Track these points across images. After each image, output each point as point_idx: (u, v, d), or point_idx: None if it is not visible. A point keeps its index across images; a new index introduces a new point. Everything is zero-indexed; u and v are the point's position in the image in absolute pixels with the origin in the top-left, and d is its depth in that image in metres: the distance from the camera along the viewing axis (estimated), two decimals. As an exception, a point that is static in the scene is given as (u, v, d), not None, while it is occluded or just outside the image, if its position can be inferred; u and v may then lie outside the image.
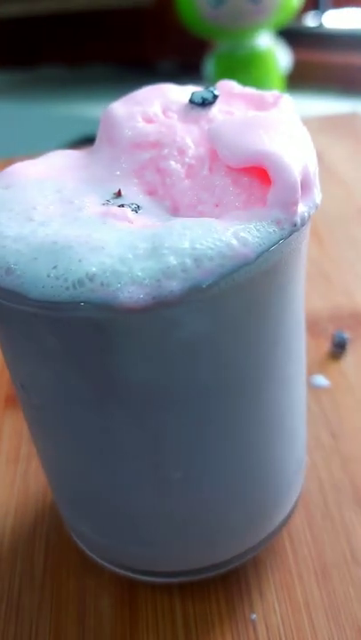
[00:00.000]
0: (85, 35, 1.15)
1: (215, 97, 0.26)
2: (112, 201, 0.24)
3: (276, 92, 0.27)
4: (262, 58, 0.84)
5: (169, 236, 0.20)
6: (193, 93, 0.26)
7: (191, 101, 0.26)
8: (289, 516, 0.31)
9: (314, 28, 1.05)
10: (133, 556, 0.29)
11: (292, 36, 0.94)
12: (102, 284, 0.19)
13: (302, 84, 0.91)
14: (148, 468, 0.25)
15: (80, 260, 0.20)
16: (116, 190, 0.25)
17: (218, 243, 0.20)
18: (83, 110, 1.02)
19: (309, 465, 0.36)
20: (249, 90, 0.28)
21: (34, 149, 0.76)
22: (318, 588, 0.30)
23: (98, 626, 0.30)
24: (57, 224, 0.22)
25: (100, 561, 0.31)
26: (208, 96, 0.26)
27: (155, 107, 0.26)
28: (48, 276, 0.20)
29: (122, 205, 0.23)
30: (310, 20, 1.06)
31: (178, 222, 0.21)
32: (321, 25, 1.06)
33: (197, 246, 0.20)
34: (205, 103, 0.26)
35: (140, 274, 0.20)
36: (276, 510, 0.30)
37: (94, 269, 0.20)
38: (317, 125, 0.73)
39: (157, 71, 1.12)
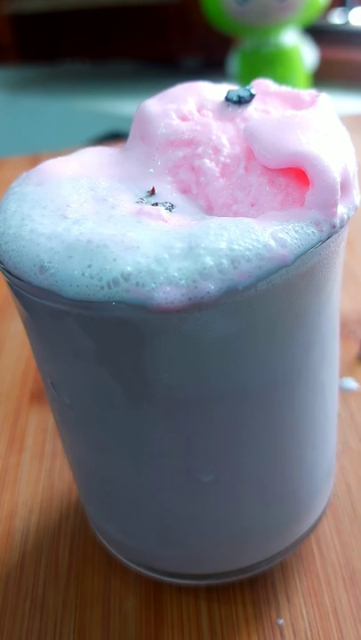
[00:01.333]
0: (109, 30, 1.14)
1: (252, 95, 0.26)
2: (146, 199, 0.24)
3: (313, 91, 0.27)
4: (288, 55, 0.83)
5: (205, 236, 0.20)
6: (229, 91, 0.26)
7: (227, 99, 0.26)
8: (318, 522, 0.31)
9: (340, 25, 1.04)
10: (160, 558, 0.29)
11: (319, 33, 0.92)
12: (137, 284, 0.19)
13: (328, 82, 0.90)
14: (179, 470, 0.24)
15: (115, 260, 0.20)
16: (150, 188, 0.24)
17: (255, 243, 0.20)
18: (106, 106, 1.02)
19: (337, 470, 0.35)
20: (285, 88, 0.27)
21: (57, 145, 0.77)
22: (346, 593, 0.30)
23: (122, 627, 0.30)
24: (91, 222, 0.22)
25: (125, 561, 0.31)
26: (245, 94, 0.26)
27: (189, 104, 0.26)
28: (83, 274, 0.20)
29: (155, 204, 0.23)
30: (337, 18, 1.05)
31: (214, 222, 0.21)
32: (348, 22, 1.04)
33: (235, 247, 0.20)
34: (242, 101, 0.26)
35: (176, 274, 0.19)
36: (306, 515, 0.29)
37: (129, 269, 0.19)
38: (350, 123, 0.72)
39: (181, 68, 1.11)
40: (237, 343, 0.21)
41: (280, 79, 0.78)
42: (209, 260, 0.19)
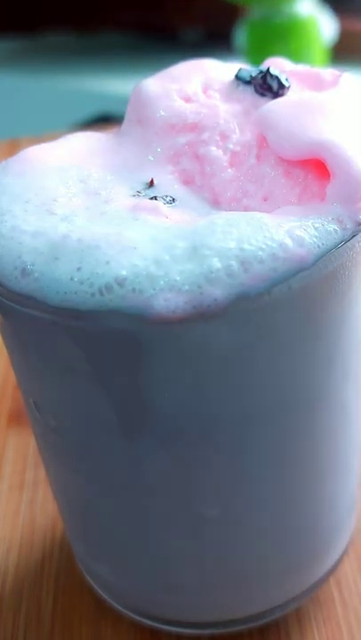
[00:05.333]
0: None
1: (282, 85, 0.25)
2: (143, 192, 0.24)
3: (334, 70, 0.27)
4: (303, 27, 0.82)
5: (211, 235, 0.20)
6: (240, 69, 0.26)
7: (238, 78, 0.26)
8: (338, 562, 0.31)
9: (363, -8, 1.04)
10: (158, 603, 0.29)
11: (338, 1, 0.92)
12: (134, 290, 0.19)
13: (349, 58, 0.90)
14: (180, 503, 0.24)
15: (108, 262, 0.19)
16: (149, 180, 0.24)
17: (269, 242, 0.20)
18: (94, 85, 1.01)
19: (359, 502, 0.35)
20: (303, 67, 0.27)
21: (38, 130, 0.77)
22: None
23: (118, 634, 0.30)
24: (81, 219, 0.21)
25: (117, 607, 0.31)
26: (257, 74, 0.26)
27: (194, 84, 0.26)
28: (71, 279, 0.19)
29: (154, 197, 0.23)
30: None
31: (221, 217, 0.20)
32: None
33: (245, 247, 0.19)
34: (265, 87, 0.25)
35: (178, 278, 0.19)
36: (325, 554, 0.29)
37: (125, 273, 0.19)
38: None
39: (180, 41, 1.11)
40: (248, 358, 0.21)
41: (294, 54, 0.78)
42: (216, 262, 0.19)
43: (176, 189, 0.24)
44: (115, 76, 1.02)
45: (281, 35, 0.82)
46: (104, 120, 0.87)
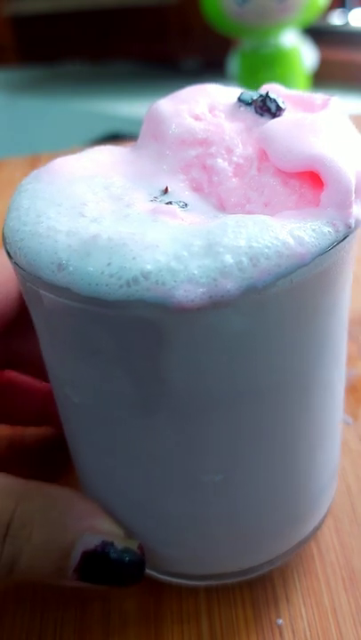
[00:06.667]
0: (109, 32, 1.14)
1: (279, 108, 0.25)
2: (159, 198, 0.24)
3: (324, 95, 0.27)
4: (287, 56, 0.83)
5: (224, 234, 0.20)
6: (242, 93, 0.26)
7: (240, 100, 0.26)
8: (322, 522, 0.31)
9: (340, 26, 1.04)
10: (161, 557, 0.29)
11: (318, 34, 0.92)
12: (157, 283, 0.19)
13: (328, 83, 0.90)
14: (189, 470, 0.24)
15: (134, 258, 0.19)
16: (164, 187, 0.24)
17: (274, 241, 0.20)
18: (106, 107, 1.01)
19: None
20: (296, 92, 0.27)
21: (57, 146, 0.76)
22: (346, 594, 0.30)
23: (122, 627, 0.30)
24: (108, 221, 0.21)
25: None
26: (255, 97, 0.26)
27: (201, 105, 0.26)
28: (102, 273, 0.19)
29: (170, 202, 0.23)
30: (336, 19, 1.04)
31: (231, 219, 0.21)
32: (347, 23, 1.04)
33: (254, 244, 0.20)
34: (264, 109, 0.25)
35: (196, 272, 0.19)
36: (310, 517, 0.29)
37: (149, 267, 0.19)
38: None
39: (180, 69, 1.11)
40: (254, 342, 0.21)
41: (280, 80, 0.78)
42: (229, 258, 0.19)
43: (187, 195, 0.24)
44: (123, 100, 1.02)
45: (268, 63, 0.82)
46: (114, 138, 0.87)
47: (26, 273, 0.21)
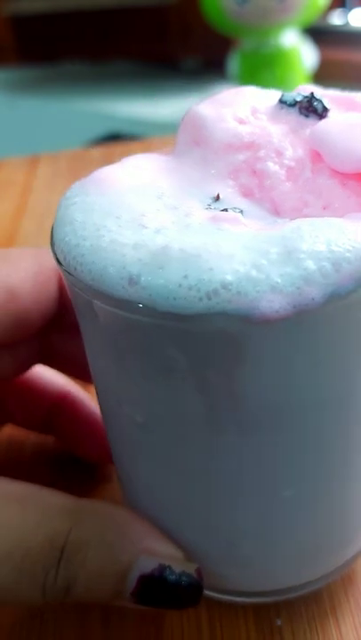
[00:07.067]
0: (108, 31, 1.13)
1: (325, 109, 0.25)
2: (213, 205, 0.23)
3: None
4: (287, 56, 0.82)
5: (301, 239, 0.19)
6: (284, 94, 0.25)
7: (282, 102, 0.25)
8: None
9: (340, 26, 1.03)
10: (219, 576, 0.28)
11: (318, 34, 0.91)
12: (239, 294, 0.18)
13: (328, 83, 0.89)
14: (258, 485, 0.23)
15: (212, 269, 0.18)
16: (215, 194, 0.23)
17: (354, 244, 0.19)
18: (106, 107, 1.00)
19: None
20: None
21: (57, 146, 0.76)
22: (346, 594, 0.29)
23: (122, 626, 0.29)
24: (172, 231, 0.20)
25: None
26: (299, 98, 0.25)
27: (243, 108, 0.25)
28: (179, 286, 0.18)
29: (225, 209, 0.22)
30: (336, 19, 1.04)
31: (304, 223, 0.20)
32: (347, 23, 1.04)
33: (334, 249, 0.19)
34: (311, 109, 0.25)
35: (279, 281, 0.18)
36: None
37: (229, 277, 0.18)
38: None
39: (181, 69, 1.10)
40: (333, 351, 0.20)
41: (280, 80, 0.78)
42: (311, 265, 0.18)
43: (239, 201, 0.23)
44: (123, 100, 1.01)
45: (268, 63, 0.82)
46: (114, 138, 0.86)
47: (89, 289, 0.20)
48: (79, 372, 0.34)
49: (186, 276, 0.19)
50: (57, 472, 0.37)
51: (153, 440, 0.24)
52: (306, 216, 0.22)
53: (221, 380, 0.20)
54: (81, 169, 0.72)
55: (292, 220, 0.21)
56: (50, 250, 0.23)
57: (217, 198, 0.23)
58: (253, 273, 0.18)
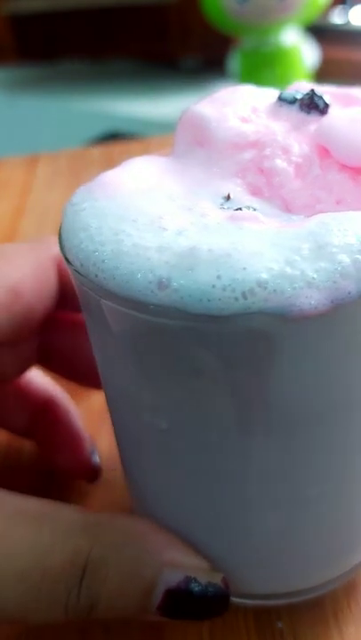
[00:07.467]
0: (108, 30, 1.12)
1: (326, 105, 0.24)
2: (226, 204, 0.22)
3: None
4: (288, 54, 0.82)
5: (330, 233, 0.19)
6: (283, 92, 0.25)
7: (281, 99, 0.25)
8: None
9: (341, 24, 1.04)
10: (240, 579, 0.27)
11: (319, 32, 0.91)
12: (275, 292, 0.18)
13: (329, 81, 0.89)
14: (285, 485, 0.23)
15: (245, 268, 0.18)
16: (225, 194, 0.23)
17: (382, 236, 0.18)
18: (105, 106, 0.99)
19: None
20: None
21: (56, 146, 0.75)
22: (347, 598, 0.29)
23: (123, 626, 0.28)
24: (193, 232, 0.20)
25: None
26: (299, 96, 0.25)
27: (243, 107, 0.25)
28: (213, 287, 0.18)
29: (239, 208, 0.22)
30: (337, 17, 1.04)
31: (328, 218, 0.19)
32: (348, 21, 1.04)
33: (365, 241, 0.18)
34: (312, 106, 0.24)
35: (315, 276, 0.18)
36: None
37: (265, 276, 0.18)
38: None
39: (181, 67, 1.10)
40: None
41: (280, 78, 0.77)
42: (345, 258, 0.18)
43: (249, 200, 0.23)
44: (123, 99, 1.01)
45: (269, 62, 0.81)
46: (114, 137, 0.86)
47: (114, 296, 0.19)
48: (77, 372, 0.33)
49: (219, 277, 0.18)
50: (57, 478, 0.36)
51: (178, 446, 0.23)
52: (320, 212, 0.22)
53: (253, 380, 0.20)
54: (80, 168, 0.72)
55: (307, 216, 0.21)
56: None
57: (228, 198, 0.23)
58: (288, 270, 0.18)
